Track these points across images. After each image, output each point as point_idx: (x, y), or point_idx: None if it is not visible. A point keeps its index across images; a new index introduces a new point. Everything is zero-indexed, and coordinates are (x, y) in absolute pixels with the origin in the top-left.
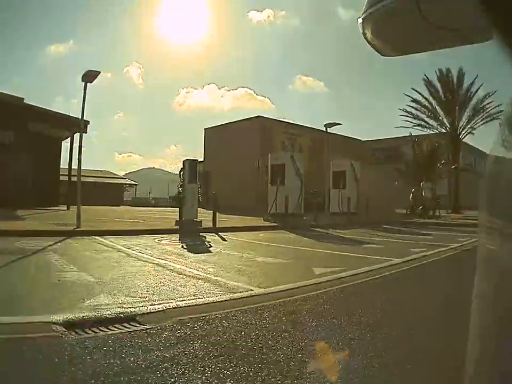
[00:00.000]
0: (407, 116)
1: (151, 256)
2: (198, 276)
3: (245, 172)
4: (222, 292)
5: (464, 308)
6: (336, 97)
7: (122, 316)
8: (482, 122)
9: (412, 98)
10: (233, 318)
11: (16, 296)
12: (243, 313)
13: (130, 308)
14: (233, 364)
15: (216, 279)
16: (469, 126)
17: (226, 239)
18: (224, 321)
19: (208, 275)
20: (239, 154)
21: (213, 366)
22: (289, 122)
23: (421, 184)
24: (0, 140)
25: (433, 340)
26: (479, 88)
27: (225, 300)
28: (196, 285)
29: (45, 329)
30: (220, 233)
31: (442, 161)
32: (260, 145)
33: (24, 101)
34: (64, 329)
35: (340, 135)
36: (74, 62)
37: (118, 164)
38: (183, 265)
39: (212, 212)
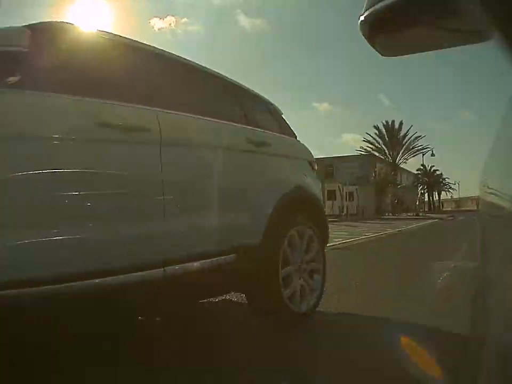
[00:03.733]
0: (360, 150)
1: None
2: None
3: None
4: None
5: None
6: None
7: None
8: (412, 156)
9: (365, 139)
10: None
11: None
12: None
13: None
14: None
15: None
16: (403, 157)
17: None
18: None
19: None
20: None
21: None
22: None
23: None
24: None
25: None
26: (414, 134)
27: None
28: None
29: None
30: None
31: (390, 182)
32: None
33: None
34: None
35: None
36: None
37: None
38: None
39: None
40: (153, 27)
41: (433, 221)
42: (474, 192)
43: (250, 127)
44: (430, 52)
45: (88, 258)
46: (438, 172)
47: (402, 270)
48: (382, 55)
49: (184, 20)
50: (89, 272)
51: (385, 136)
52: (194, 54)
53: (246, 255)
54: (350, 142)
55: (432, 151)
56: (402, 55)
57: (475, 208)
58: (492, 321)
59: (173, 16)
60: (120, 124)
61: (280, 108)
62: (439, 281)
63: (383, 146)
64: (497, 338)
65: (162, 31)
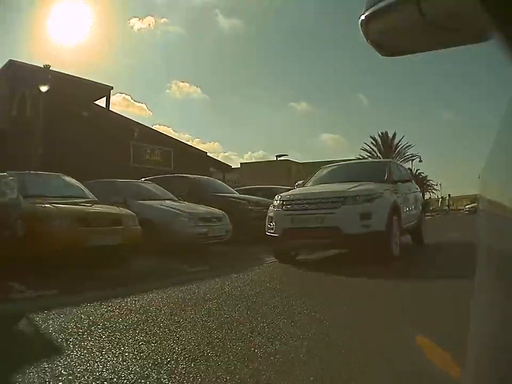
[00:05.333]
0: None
1: None
2: None
3: None
4: None
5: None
6: (215, 103)
7: None
8: (403, 161)
9: (363, 148)
10: None
11: None
12: None
13: None
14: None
15: None
16: None
17: None
18: None
19: None
20: (268, 179)
21: None
22: (297, 162)
23: None
24: None
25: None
26: (405, 143)
27: None
28: None
29: None
30: None
31: None
32: (284, 175)
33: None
34: None
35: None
36: None
37: None
38: None
39: None
40: (132, 27)
41: (427, 217)
42: (456, 192)
43: (412, 182)
44: (427, 51)
45: (405, 220)
46: (423, 174)
47: (438, 234)
48: (381, 55)
49: (164, 20)
50: (405, 224)
51: (381, 145)
52: (174, 54)
53: (417, 222)
54: (329, 142)
55: (420, 157)
56: (402, 55)
57: (457, 207)
58: (491, 321)
59: (152, 16)
60: (407, 191)
61: (257, 107)
62: (456, 235)
63: (378, 153)
64: (496, 338)
65: (141, 32)
